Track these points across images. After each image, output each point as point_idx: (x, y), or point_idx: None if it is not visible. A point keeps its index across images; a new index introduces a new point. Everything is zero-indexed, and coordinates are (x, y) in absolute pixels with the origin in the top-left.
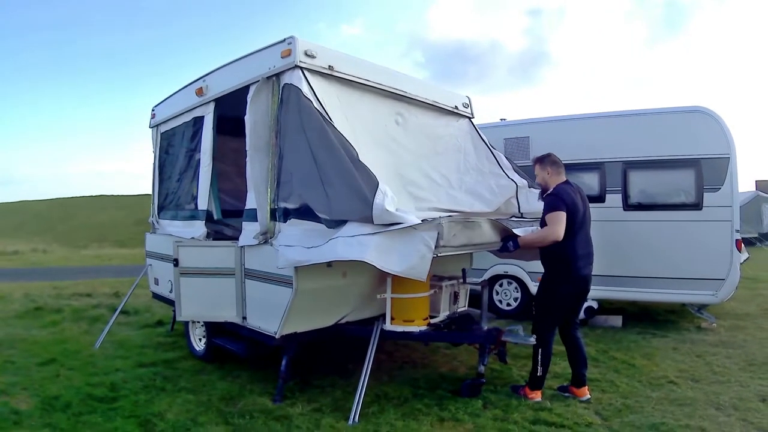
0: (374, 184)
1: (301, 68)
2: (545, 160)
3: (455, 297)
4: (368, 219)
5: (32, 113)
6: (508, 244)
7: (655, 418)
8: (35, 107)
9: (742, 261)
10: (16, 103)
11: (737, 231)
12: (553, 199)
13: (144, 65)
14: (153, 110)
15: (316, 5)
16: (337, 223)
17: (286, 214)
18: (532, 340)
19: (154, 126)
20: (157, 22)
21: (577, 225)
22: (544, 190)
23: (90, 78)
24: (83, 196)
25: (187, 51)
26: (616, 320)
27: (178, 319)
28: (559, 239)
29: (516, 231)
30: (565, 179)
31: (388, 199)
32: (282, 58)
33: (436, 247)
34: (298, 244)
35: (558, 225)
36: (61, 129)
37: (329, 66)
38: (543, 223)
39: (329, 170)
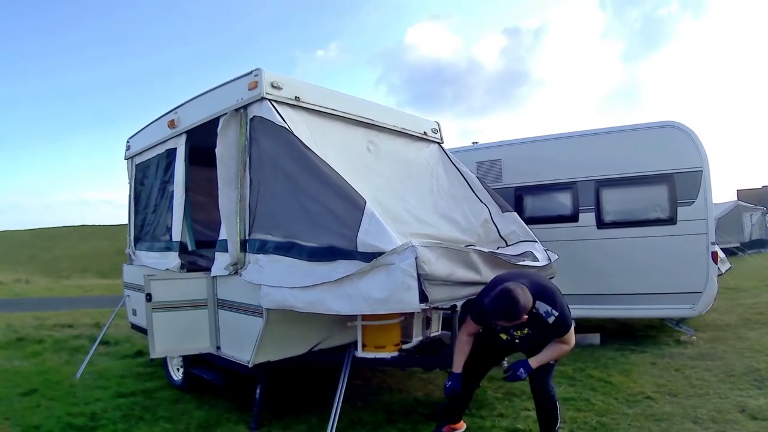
0: (360, 205)
1: (268, 100)
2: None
3: (428, 322)
4: (353, 244)
5: (18, 142)
6: (519, 372)
7: None
8: (21, 135)
9: (723, 271)
10: (4, 131)
11: (713, 243)
12: (565, 318)
13: (127, 96)
14: (128, 142)
15: (292, 33)
16: (324, 252)
17: (263, 247)
18: (504, 363)
19: (129, 157)
20: (142, 53)
21: None
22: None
23: (75, 107)
24: (67, 226)
25: (168, 80)
26: (594, 338)
27: (151, 356)
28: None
29: (510, 258)
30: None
31: (375, 220)
32: (249, 90)
33: (421, 274)
34: (282, 283)
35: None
36: (47, 158)
37: (296, 97)
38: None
39: (311, 195)
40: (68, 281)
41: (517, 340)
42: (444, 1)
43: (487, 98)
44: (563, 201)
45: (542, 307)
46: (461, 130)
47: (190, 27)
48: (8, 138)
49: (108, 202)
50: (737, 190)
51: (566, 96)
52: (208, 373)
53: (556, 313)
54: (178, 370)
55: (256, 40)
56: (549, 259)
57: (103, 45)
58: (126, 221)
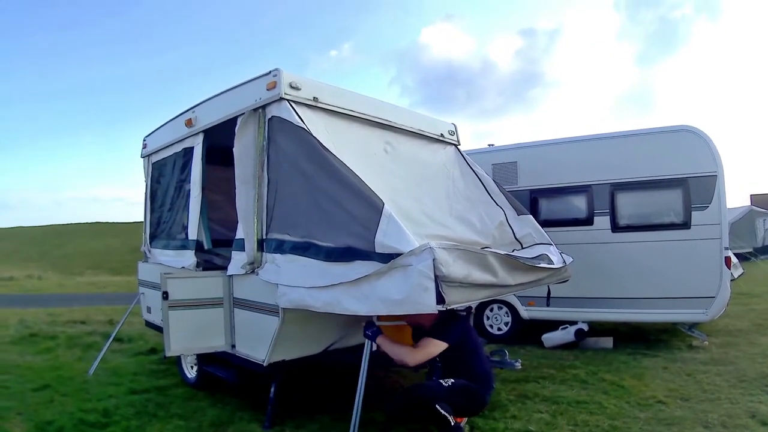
0: (378, 207)
1: (287, 100)
2: None
3: None
4: (371, 245)
5: (30, 138)
6: (369, 328)
7: None
8: (33, 132)
9: (736, 276)
10: (13, 128)
11: (726, 248)
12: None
13: (140, 95)
14: (144, 140)
15: (305, 33)
16: (341, 252)
17: (280, 247)
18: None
19: (146, 156)
20: (153, 52)
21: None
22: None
23: (88, 104)
24: (79, 223)
25: (178, 80)
26: (607, 341)
27: (167, 354)
28: (410, 366)
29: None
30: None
31: (393, 222)
32: (267, 90)
33: (439, 275)
34: (298, 283)
35: (424, 352)
36: (58, 154)
37: (314, 97)
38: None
39: (329, 196)
40: (81, 278)
41: None
42: (458, 1)
43: (499, 100)
44: (578, 204)
45: None
46: (473, 132)
47: (201, 28)
48: (20, 134)
49: (120, 199)
50: (751, 195)
51: (580, 98)
52: (223, 371)
53: None
54: (192, 367)
55: (269, 40)
56: (564, 261)
57: (116, 43)
58: (141, 219)
